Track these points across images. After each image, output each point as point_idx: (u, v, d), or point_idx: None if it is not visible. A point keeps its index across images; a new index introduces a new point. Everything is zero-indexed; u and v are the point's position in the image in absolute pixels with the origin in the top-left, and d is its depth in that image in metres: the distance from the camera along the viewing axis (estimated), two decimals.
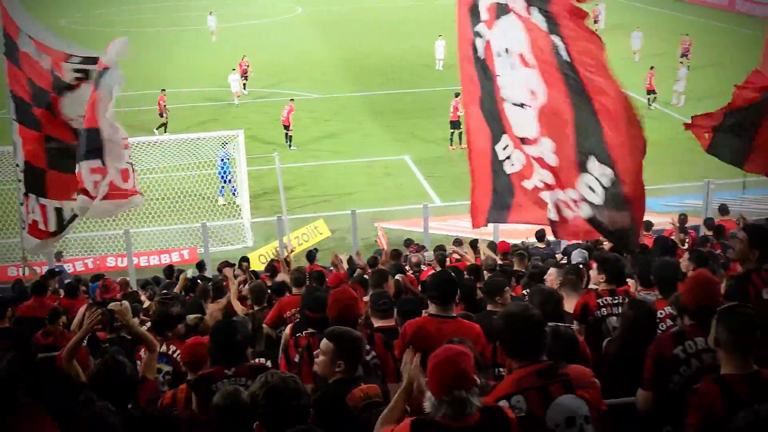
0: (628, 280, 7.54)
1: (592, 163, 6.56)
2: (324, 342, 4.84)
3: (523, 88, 7.02)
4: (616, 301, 6.56)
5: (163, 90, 30.97)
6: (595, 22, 45.43)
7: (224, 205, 23.83)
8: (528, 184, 7.45)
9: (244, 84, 35.99)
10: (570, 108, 6.67)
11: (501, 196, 7.81)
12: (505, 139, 7.51)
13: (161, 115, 30.24)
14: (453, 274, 7.02)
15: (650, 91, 31.65)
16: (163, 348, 7.08)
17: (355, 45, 47.66)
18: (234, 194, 23.74)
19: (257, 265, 17.69)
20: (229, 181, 23.59)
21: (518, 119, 7.19)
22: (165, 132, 29.28)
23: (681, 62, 36.17)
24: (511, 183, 7.65)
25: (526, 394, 4.05)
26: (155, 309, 7.80)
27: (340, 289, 6.17)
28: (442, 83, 36.10)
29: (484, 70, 7.54)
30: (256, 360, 6.73)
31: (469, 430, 3.75)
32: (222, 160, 23.55)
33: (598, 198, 6.58)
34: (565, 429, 3.99)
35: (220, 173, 23.81)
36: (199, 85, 37.95)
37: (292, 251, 16.82)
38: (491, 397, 4.11)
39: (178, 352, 6.93)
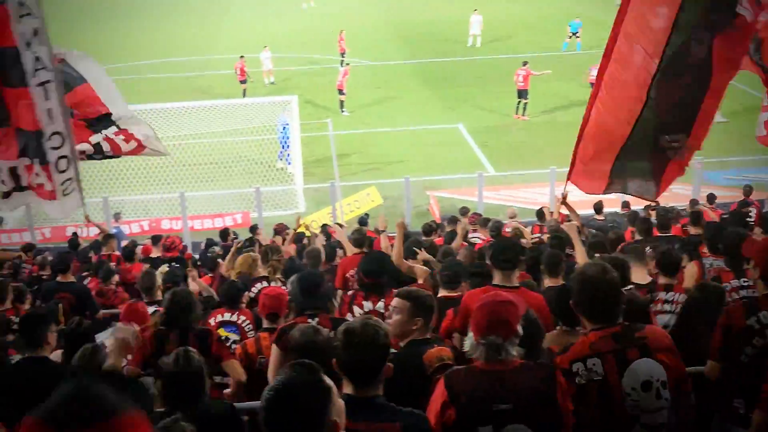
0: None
1: None
2: (398, 301, 4.81)
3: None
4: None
5: (242, 57, 30.95)
6: None
7: (281, 169, 23.90)
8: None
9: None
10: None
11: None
12: None
13: (243, 82, 30.31)
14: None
15: None
16: (234, 317, 7.15)
17: (408, 11, 47.33)
18: (288, 162, 23.78)
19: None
20: (288, 146, 23.63)
21: None
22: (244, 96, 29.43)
23: None
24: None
25: (602, 358, 3.98)
26: (224, 286, 7.86)
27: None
28: (494, 51, 35.74)
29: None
30: None
31: (501, 374, 3.74)
32: (282, 126, 23.56)
33: None
34: (641, 393, 3.91)
35: (280, 138, 23.85)
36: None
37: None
38: (565, 358, 4.06)
39: (248, 321, 7.00)
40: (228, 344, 6.93)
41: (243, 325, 7.17)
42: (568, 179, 9.33)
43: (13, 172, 10.01)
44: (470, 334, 3.87)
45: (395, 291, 5.02)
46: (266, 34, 40.84)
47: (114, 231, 16.37)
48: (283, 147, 23.82)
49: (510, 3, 48.75)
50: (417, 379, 4.42)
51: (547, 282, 7.09)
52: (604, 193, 9.32)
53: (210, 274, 10.63)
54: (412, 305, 4.73)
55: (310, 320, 5.49)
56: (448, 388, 3.78)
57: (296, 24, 46.09)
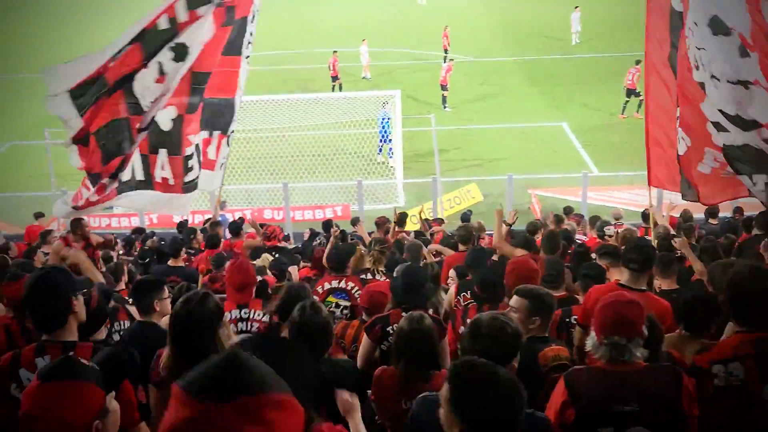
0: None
1: None
2: (516, 299, 4.77)
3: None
4: None
5: (335, 52, 31.17)
6: None
7: (382, 163, 24.02)
8: (704, 169, 7.60)
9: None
10: None
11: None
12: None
13: (335, 79, 30.43)
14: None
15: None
16: (342, 284, 7.19)
17: (513, 8, 46.84)
18: (390, 156, 23.84)
19: (411, 225, 17.76)
20: (389, 140, 23.68)
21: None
22: (340, 90, 29.66)
23: None
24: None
25: (744, 362, 3.85)
26: (330, 253, 7.98)
27: (521, 260, 6.10)
28: (599, 50, 35.02)
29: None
30: None
31: (625, 376, 3.65)
32: (383, 119, 23.65)
33: None
34: None
35: (380, 132, 23.95)
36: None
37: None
38: (705, 358, 3.93)
39: (356, 288, 7.04)
40: (340, 309, 7.05)
41: (352, 290, 7.19)
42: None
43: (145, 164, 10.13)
44: (592, 334, 3.78)
45: (516, 288, 4.94)
46: (368, 28, 41.13)
47: (219, 219, 16.76)
48: (383, 141, 23.90)
49: (609, 2, 47.60)
50: (531, 378, 4.33)
51: (659, 283, 6.89)
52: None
53: (309, 265, 10.71)
54: (530, 304, 4.66)
55: (404, 314, 5.46)
56: (568, 387, 3.70)
57: (399, 18, 46.19)
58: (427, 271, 6.40)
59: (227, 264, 6.96)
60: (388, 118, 23.41)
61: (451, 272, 7.93)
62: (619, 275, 6.27)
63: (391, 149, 23.70)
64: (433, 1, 49.83)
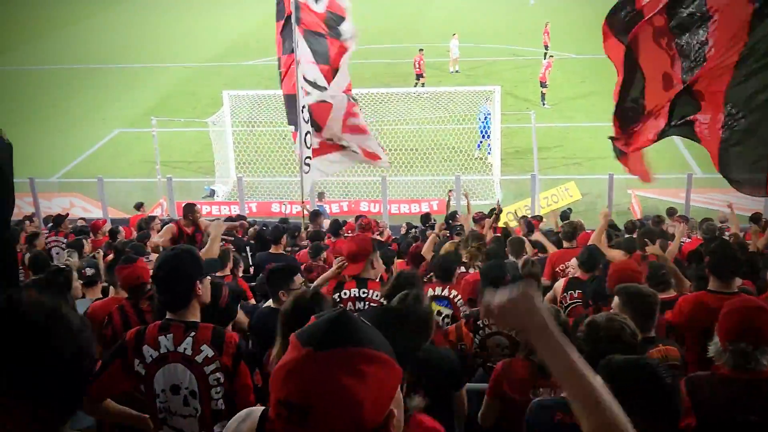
0: None
1: None
2: (615, 298, 4.70)
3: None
4: None
5: (421, 50, 31.02)
6: None
7: (479, 158, 23.89)
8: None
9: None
10: None
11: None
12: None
13: (419, 77, 30.26)
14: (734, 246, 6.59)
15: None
16: (445, 292, 7.21)
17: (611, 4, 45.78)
18: (488, 152, 23.67)
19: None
20: (488, 136, 23.54)
21: None
22: (422, 85, 29.62)
23: None
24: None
25: None
26: (437, 260, 7.95)
27: (625, 263, 6.02)
28: None
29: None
30: None
31: (751, 384, 3.54)
32: (485, 115, 23.47)
33: None
34: None
35: (480, 128, 23.79)
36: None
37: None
38: None
39: (459, 296, 7.05)
40: (441, 318, 7.05)
41: (455, 299, 7.19)
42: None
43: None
44: (716, 339, 3.68)
45: (616, 287, 4.87)
46: (468, 24, 40.98)
47: (320, 209, 17.02)
48: (483, 137, 23.75)
49: None
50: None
51: None
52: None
53: (405, 260, 10.74)
54: (620, 302, 4.59)
55: None
56: (690, 393, 3.62)
57: (501, 15, 45.78)
58: (512, 268, 6.31)
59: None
60: (489, 114, 23.27)
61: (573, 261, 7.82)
62: None
63: (489, 145, 23.56)
64: None
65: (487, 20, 43.78)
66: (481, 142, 23.93)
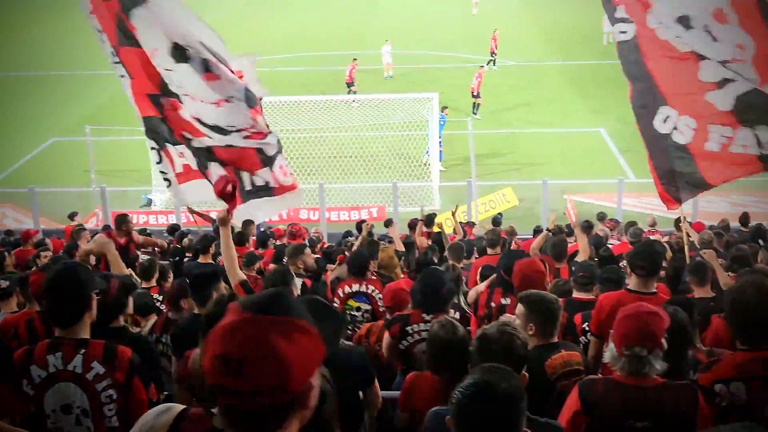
0: None
1: None
2: (518, 305, 4.74)
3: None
4: None
5: (355, 59, 30.65)
6: None
7: (426, 164, 23.87)
8: (712, 146, 7.43)
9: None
10: None
11: (685, 174, 7.65)
12: (663, 111, 7.89)
13: (350, 85, 29.73)
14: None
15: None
16: (363, 288, 7.21)
17: (556, 12, 46.41)
18: (439, 159, 23.68)
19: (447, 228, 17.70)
20: (440, 143, 23.46)
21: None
22: (353, 93, 29.35)
23: None
24: (689, 152, 7.65)
25: (749, 383, 3.72)
26: (351, 256, 8.01)
27: (528, 261, 6.02)
28: None
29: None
30: None
31: (643, 390, 3.58)
32: (439, 122, 23.40)
33: None
34: None
35: (429, 135, 23.77)
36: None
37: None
38: (707, 377, 3.83)
39: (377, 291, 7.05)
40: (361, 313, 7.14)
41: (373, 294, 7.20)
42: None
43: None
44: (611, 345, 3.71)
45: (519, 294, 4.91)
46: (416, 31, 41.16)
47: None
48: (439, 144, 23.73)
49: None
50: (539, 387, 4.23)
51: (697, 292, 6.78)
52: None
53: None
54: (525, 310, 4.62)
55: (424, 315, 5.53)
56: (582, 397, 3.65)
57: (449, 23, 46.02)
58: (449, 274, 6.37)
59: None
60: (443, 121, 23.40)
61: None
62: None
63: (427, 151, 23.65)
64: (483, 6, 49.56)
65: (432, 28, 43.96)
66: (429, 150, 23.89)
